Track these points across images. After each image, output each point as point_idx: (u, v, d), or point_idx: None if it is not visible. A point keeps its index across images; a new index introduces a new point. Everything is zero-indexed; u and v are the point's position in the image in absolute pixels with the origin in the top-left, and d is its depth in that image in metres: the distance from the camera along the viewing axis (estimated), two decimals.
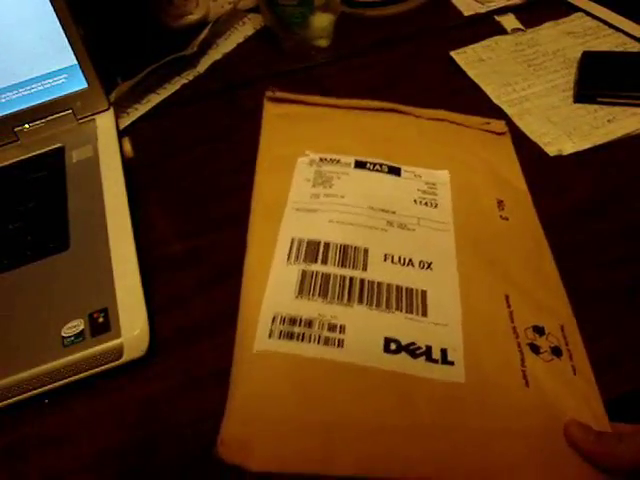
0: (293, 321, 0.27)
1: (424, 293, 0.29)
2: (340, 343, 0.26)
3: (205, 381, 0.31)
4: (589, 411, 0.26)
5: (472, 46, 0.49)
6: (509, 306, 0.29)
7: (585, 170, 0.37)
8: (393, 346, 0.26)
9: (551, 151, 0.38)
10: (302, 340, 0.26)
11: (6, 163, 0.44)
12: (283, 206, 0.33)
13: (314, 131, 0.39)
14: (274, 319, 0.27)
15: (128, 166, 0.43)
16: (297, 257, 0.30)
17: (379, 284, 0.29)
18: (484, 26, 0.51)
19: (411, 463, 0.23)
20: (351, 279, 0.29)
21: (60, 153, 0.44)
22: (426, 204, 0.34)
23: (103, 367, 0.31)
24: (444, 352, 0.27)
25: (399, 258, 0.30)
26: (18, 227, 0.39)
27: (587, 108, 0.41)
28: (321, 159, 0.36)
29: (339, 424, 0.24)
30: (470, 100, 0.43)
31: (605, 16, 0.49)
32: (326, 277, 0.29)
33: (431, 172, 0.36)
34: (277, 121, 0.40)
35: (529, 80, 0.44)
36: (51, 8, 0.43)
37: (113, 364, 0.31)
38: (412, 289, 0.29)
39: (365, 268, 0.30)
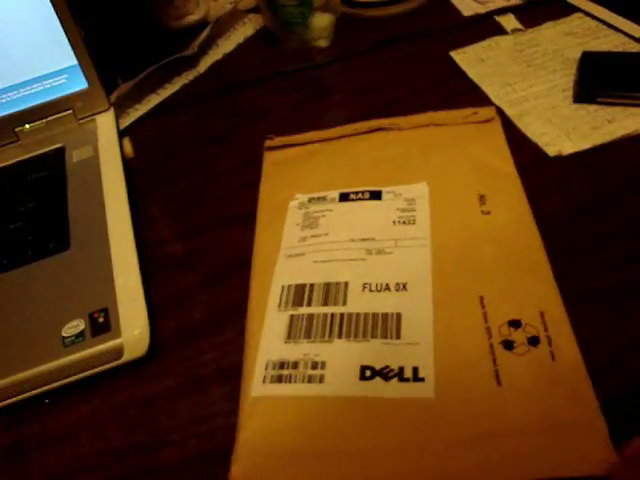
0: (282, 365, 0.29)
1: (399, 316, 0.30)
2: (321, 379, 0.28)
3: (205, 381, 0.31)
4: (572, 395, 0.26)
5: (472, 46, 0.49)
6: (483, 307, 0.29)
7: (585, 170, 0.37)
8: (368, 373, 0.28)
9: (551, 151, 0.38)
10: (289, 382, 0.28)
11: (6, 163, 0.45)
12: (276, 254, 0.34)
13: (305, 171, 0.40)
14: (267, 365, 0.29)
15: (128, 166, 0.43)
16: (286, 303, 0.32)
17: (357, 315, 0.30)
18: (484, 26, 0.51)
19: (395, 477, 0.25)
20: (332, 315, 0.30)
21: (60, 153, 0.44)
22: (404, 223, 0.34)
23: (103, 367, 0.31)
24: (415, 370, 0.27)
25: (376, 285, 0.31)
26: (18, 227, 0.39)
27: (587, 108, 0.41)
28: (310, 199, 0.37)
29: (325, 452, 0.26)
30: (470, 100, 0.43)
31: (605, 16, 0.49)
32: (310, 318, 0.31)
33: (410, 187, 0.36)
34: (274, 169, 0.41)
35: (529, 80, 0.44)
36: (52, 8, 0.43)
37: (113, 364, 0.31)
38: (387, 314, 0.30)
39: (345, 302, 0.31)
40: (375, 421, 0.26)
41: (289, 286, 0.32)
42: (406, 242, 0.33)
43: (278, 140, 0.42)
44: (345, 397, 0.27)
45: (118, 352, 0.31)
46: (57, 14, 0.43)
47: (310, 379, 0.28)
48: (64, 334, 0.31)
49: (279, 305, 0.32)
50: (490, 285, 0.30)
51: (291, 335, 0.30)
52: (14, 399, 0.30)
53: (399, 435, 0.26)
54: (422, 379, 0.27)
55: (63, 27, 0.43)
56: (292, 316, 0.31)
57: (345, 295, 0.31)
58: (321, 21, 0.51)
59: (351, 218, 0.35)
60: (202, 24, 0.55)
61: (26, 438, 0.30)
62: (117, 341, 0.31)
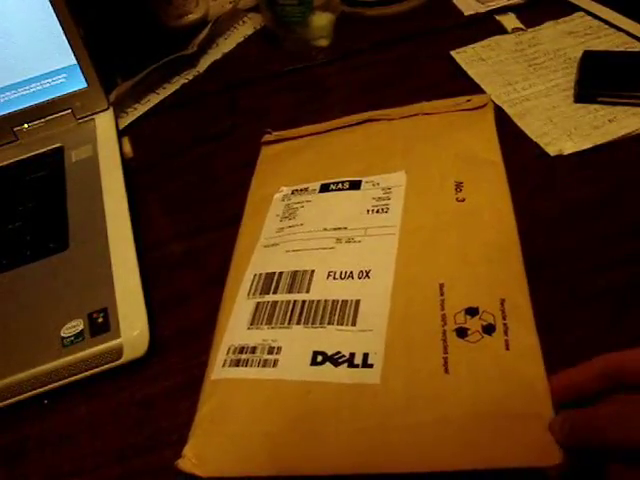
0: (241, 350, 0.30)
1: (357, 303, 0.30)
2: (274, 363, 0.29)
3: None
4: (522, 385, 0.25)
5: (472, 45, 0.49)
6: (442, 294, 0.29)
7: (585, 170, 0.37)
8: (319, 358, 0.28)
9: (551, 151, 0.38)
10: (245, 366, 0.29)
11: (5, 163, 0.44)
12: (255, 245, 0.35)
13: (293, 164, 0.40)
14: (228, 350, 0.30)
15: (127, 166, 0.43)
16: (255, 291, 0.32)
17: (317, 302, 0.30)
18: (484, 25, 0.51)
19: (334, 462, 0.25)
20: (294, 303, 0.31)
21: (59, 153, 0.44)
22: (377, 212, 0.34)
23: (103, 367, 0.31)
24: (366, 356, 0.28)
25: (340, 273, 0.31)
26: (17, 227, 0.39)
27: (588, 108, 0.41)
28: (293, 191, 0.37)
29: (274, 433, 0.26)
30: None
31: (606, 15, 0.49)
32: (274, 305, 0.31)
33: (388, 176, 0.36)
34: (267, 163, 0.41)
35: (530, 80, 0.44)
36: (51, 8, 0.43)
37: (113, 364, 0.31)
38: (347, 301, 0.30)
39: (308, 290, 0.31)
40: (322, 405, 0.27)
41: (260, 274, 0.33)
42: (375, 230, 0.33)
43: (275, 135, 0.42)
44: (295, 381, 0.28)
45: (117, 352, 0.31)
46: (56, 13, 0.43)
47: (265, 363, 0.29)
48: (63, 334, 0.31)
49: (248, 293, 0.32)
50: (452, 272, 0.30)
51: (254, 321, 0.31)
52: (13, 399, 0.30)
53: (343, 419, 0.26)
54: (371, 365, 0.27)
55: (62, 26, 0.43)
56: (258, 303, 0.31)
57: (310, 283, 0.31)
58: (321, 20, 0.51)
59: (327, 208, 0.35)
60: (202, 23, 0.55)
61: (25, 438, 0.30)
62: (116, 341, 0.31)
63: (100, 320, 0.31)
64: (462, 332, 0.27)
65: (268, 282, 0.32)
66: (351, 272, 0.31)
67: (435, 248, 0.31)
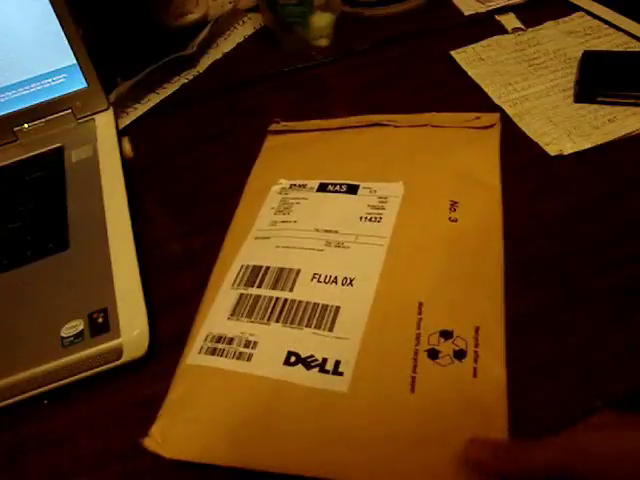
0: (219, 339, 0.30)
1: (337, 309, 0.30)
2: (249, 357, 0.29)
3: None
4: (482, 414, 0.26)
5: (472, 45, 0.49)
6: (420, 313, 0.29)
7: (586, 170, 0.37)
8: (293, 359, 0.29)
9: (552, 151, 0.38)
10: (221, 355, 0.29)
11: (5, 163, 0.44)
12: (246, 235, 0.35)
13: (296, 158, 0.40)
14: (207, 337, 0.30)
15: (127, 166, 0.43)
16: (240, 282, 0.33)
17: (299, 303, 0.31)
18: (484, 25, 0.51)
19: (290, 463, 0.26)
20: (276, 299, 0.31)
21: (59, 153, 0.44)
22: (370, 220, 0.34)
23: (103, 367, 0.30)
24: (337, 364, 0.28)
25: (325, 277, 0.32)
26: (17, 227, 0.39)
27: (588, 108, 0.41)
28: (291, 186, 0.38)
29: (237, 424, 0.27)
30: (470, 100, 0.43)
31: (606, 15, 0.49)
32: (256, 299, 0.31)
33: (386, 185, 0.36)
34: (270, 153, 0.41)
35: (529, 80, 0.44)
36: (50, 7, 0.43)
37: (113, 364, 0.31)
38: (327, 306, 0.30)
39: (292, 289, 0.31)
40: (288, 406, 0.27)
41: (247, 266, 0.33)
42: (366, 239, 0.33)
43: (283, 125, 0.43)
44: (266, 378, 0.28)
45: (117, 352, 0.31)
46: (56, 13, 0.43)
47: (240, 356, 0.29)
48: (63, 334, 0.31)
49: (233, 283, 0.33)
50: (433, 292, 0.30)
51: (235, 312, 0.31)
52: (13, 399, 0.30)
53: (306, 423, 0.27)
54: (341, 373, 0.28)
55: (62, 26, 0.43)
56: (241, 295, 0.32)
57: (294, 282, 0.32)
58: (321, 20, 0.51)
59: (322, 209, 0.36)
60: (202, 23, 0.55)
61: (25, 439, 0.30)
62: (116, 341, 0.31)
63: (100, 320, 0.31)
64: (434, 354, 0.28)
65: (254, 275, 0.32)
66: (335, 277, 0.32)
67: (420, 266, 0.32)
